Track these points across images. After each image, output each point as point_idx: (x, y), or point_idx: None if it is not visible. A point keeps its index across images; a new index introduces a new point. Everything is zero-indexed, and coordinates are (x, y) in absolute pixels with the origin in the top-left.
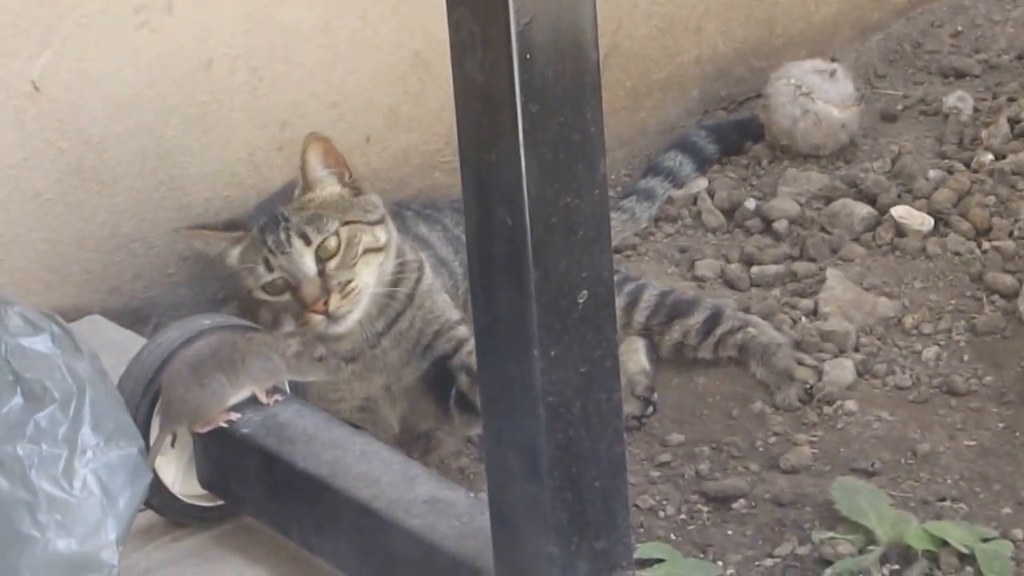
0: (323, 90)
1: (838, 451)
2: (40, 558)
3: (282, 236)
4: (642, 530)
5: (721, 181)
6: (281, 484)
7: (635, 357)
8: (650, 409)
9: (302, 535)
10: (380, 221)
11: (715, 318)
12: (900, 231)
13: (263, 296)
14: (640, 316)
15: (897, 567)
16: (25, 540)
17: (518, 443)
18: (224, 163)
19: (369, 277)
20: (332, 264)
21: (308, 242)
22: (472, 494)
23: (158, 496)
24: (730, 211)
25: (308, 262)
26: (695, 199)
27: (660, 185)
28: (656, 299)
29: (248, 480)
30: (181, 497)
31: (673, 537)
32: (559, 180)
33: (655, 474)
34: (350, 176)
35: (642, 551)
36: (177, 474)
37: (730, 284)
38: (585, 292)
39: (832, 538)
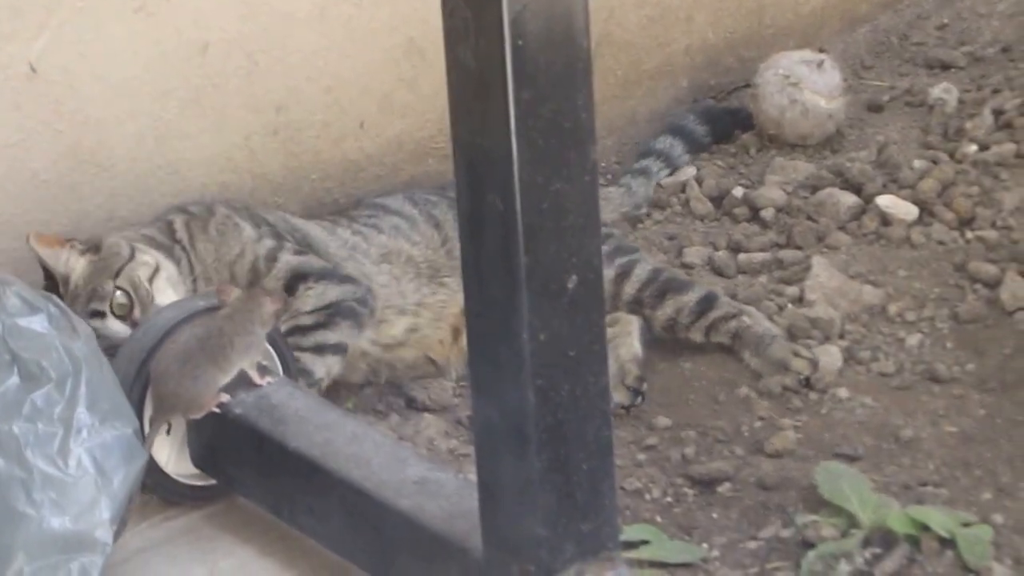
0: (318, 75)
1: (822, 436)
2: (35, 535)
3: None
4: (628, 512)
5: (709, 169)
6: (273, 464)
7: (628, 341)
8: (639, 399)
9: (293, 515)
10: (133, 252)
11: (709, 301)
12: (885, 220)
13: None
14: (631, 288)
15: (879, 550)
16: (20, 517)
17: (507, 425)
18: (220, 147)
19: (168, 296)
20: (137, 313)
21: (103, 315)
22: (461, 475)
23: (151, 475)
24: (718, 199)
25: (116, 327)
26: (684, 187)
27: (654, 163)
28: (648, 274)
29: (240, 460)
30: (174, 476)
31: (659, 519)
32: (550, 166)
33: (642, 457)
34: (79, 242)
35: (628, 533)
36: (170, 454)
37: (717, 271)
38: (575, 277)
39: (815, 521)
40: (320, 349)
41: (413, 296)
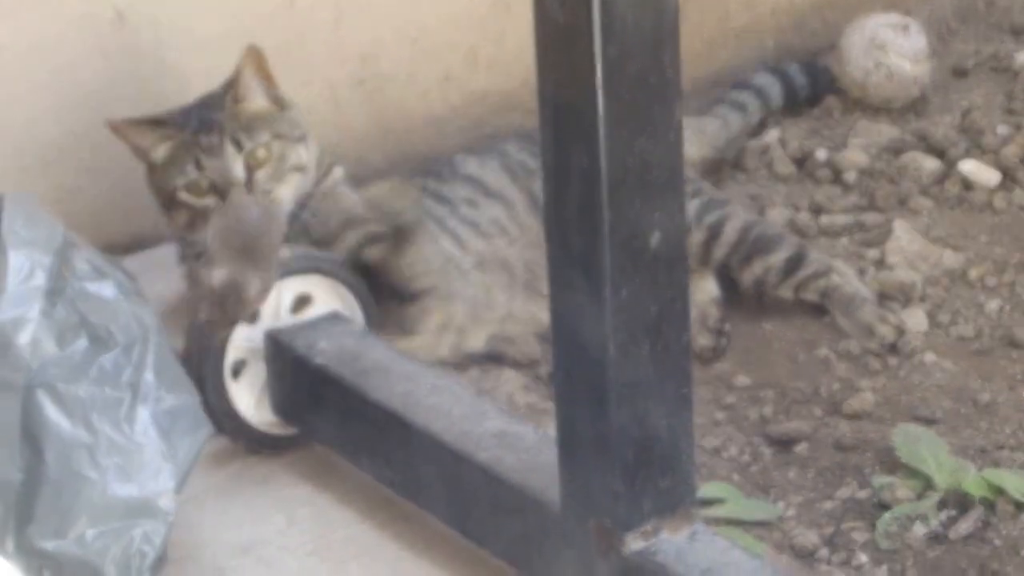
0: (404, 27)
1: (900, 399)
2: (98, 500)
3: (215, 139)
4: (705, 470)
5: (793, 131)
6: (353, 414)
7: (704, 285)
8: (723, 340)
9: (372, 465)
10: (302, 139)
11: (798, 259)
12: (967, 185)
13: (186, 197)
14: (719, 253)
15: (954, 513)
16: (83, 481)
17: (587, 381)
18: (305, 99)
19: (288, 194)
20: (260, 175)
21: (240, 148)
22: (540, 430)
23: (231, 422)
24: (801, 160)
25: (238, 167)
26: (767, 148)
27: (751, 100)
28: (737, 235)
29: (321, 410)
30: (254, 424)
31: (735, 478)
32: (635, 122)
33: (720, 416)
34: (276, 90)
35: (705, 491)
36: (251, 401)
37: (799, 232)
38: (658, 233)
39: (891, 483)
40: None
41: (502, 308)
